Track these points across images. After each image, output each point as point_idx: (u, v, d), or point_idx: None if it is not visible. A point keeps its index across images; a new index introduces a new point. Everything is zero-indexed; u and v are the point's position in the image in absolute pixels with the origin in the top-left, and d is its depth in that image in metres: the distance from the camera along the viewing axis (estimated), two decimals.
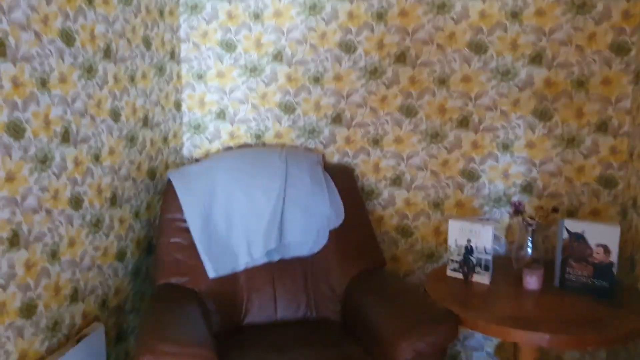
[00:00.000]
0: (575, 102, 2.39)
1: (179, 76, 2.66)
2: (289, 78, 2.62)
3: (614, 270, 2.01)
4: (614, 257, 2.01)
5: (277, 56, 2.61)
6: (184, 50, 2.67)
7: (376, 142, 2.59)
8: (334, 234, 2.33)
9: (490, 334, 1.85)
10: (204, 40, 2.65)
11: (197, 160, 2.69)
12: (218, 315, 2.18)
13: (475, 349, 2.64)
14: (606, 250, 2.03)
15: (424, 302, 2.01)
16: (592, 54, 2.35)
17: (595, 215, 2.44)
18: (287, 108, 2.64)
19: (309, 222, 2.32)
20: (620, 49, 2.32)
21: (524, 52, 2.40)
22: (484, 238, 2.16)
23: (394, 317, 1.95)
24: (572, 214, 2.46)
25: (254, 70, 2.63)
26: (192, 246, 2.22)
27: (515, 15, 2.39)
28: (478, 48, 2.44)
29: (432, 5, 2.45)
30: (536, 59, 2.39)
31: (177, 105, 2.67)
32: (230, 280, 2.25)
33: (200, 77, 2.67)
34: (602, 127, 2.39)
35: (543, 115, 2.43)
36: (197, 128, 2.71)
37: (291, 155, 2.44)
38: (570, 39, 2.35)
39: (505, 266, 2.32)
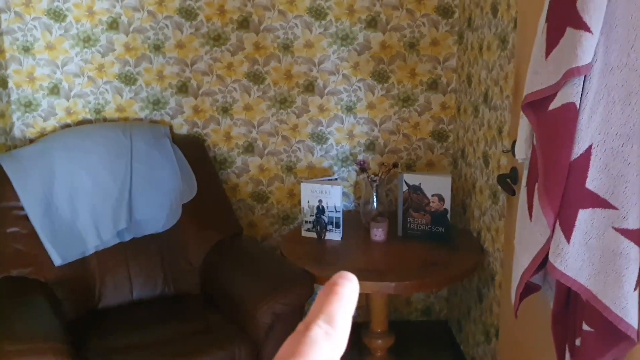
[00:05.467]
0: (408, 64, 2.55)
1: (1, 50, 2.41)
2: (128, 47, 2.49)
3: (448, 216, 2.22)
4: (447, 205, 2.22)
5: (113, 24, 2.46)
6: (5, 21, 2.42)
7: (225, 110, 2.57)
8: (188, 207, 2.31)
9: None
10: (27, 10, 2.41)
11: (31, 141, 2.49)
12: (70, 303, 2.07)
13: None
14: (440, 198, 2.23)
15: (281, 265, 2.08)
16: (421, 17, 2.50)
17: (430, 166, 2.66)
18: (128, 79, 2.51)
19: (160, 198, 2.27)
20: (445, 11, 2.50)
21: (360, 17, 2.49)
22: (333, 197, 2.26)
23: (252, 282, 2.00)
24: (410, 167, 2.66)
25: (87, 40, 2.46)
26: (33, 234, 2.07)
27: None
28: (318, 13, 2.49)
29: None
30: (372, 23, 2.50)
31: (3, 82, 2.43)
32: (80, 265, 2.14)
33: (26, 50, 2.44)
34: (433, 85, 2.58)
35: (381, 77, 2.56)
36: (29, 106, 2.49)
37: (136, 130, 2.35)
38: (401, 2, 2.49)
39: (355, 221, 2.46)
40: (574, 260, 1.16)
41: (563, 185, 1.14)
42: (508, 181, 1.74)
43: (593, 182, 1.13)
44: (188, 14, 2.47)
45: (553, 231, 1.17)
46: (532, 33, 1.59)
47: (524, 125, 1.23)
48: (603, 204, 1.14)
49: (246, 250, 2.25)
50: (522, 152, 1.24)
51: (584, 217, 1.15)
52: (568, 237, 1.16)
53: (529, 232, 1.20)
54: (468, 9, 2.36)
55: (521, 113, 1.24)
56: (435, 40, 2.53)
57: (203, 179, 2.41)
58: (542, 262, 1.24)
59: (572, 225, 1.15)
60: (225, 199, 2.45)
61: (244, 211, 2.67)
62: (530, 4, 1.61)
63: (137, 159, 2.27)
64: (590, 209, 1.14)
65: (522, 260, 1.21)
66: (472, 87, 2.32)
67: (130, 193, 2.24)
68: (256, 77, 2.55)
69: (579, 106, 1.10)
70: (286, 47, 2.52)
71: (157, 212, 2.26)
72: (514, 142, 1.63)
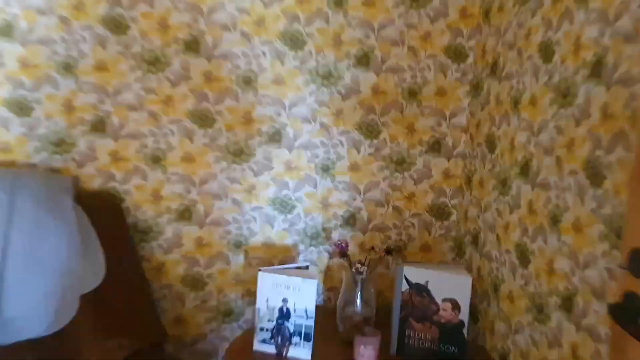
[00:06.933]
0: (406, 116, 1.95)
1: None
2: (25, 63, 1.77)
3: (465, 331, 1.59)
4: (464, 315, 1.59)
5: (5, 30, 1.74)
6: None
7: (157, 160, 1.87)
8: (89, 300, 1.56)
9: None
10: None
11: None
12: None
13: None
14: (455, 306, 1.60)
15: None
16: (425, 57, 1.93)
17: (426, 251, 2.04)
18: (21, 108, 1.78)
19: (45, 285, 1.51)
20: (457, 53, 1.94)
21: (349, 51, 1.89)
22: (305, 297, 1.58)
23: None
24: (400, 250, 2.02)
25: None
26: None
27: (339, 3, 1.87)
28: (293, 41, 1.87)
29: None
30: (363, 60, 1.90)
31: None
32: None
33: None
34: (436, 146, 1.99)
35: (370, 130, 1.95)
36: None
37: (21, 182, 1.60)
38: (402, 37, 1.91)
39: (327, 324, 1.78)
40: None
41: None
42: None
43: None
44: (116, 25, 1.79)
45: None
46: None
47: None
48: None
49: None
50: None
51: None
52: None
53: None
54: (492, 51, 1.80)
55: None
56: (441, 89, 1.95)
57: (115, 256, 1.68)
58: None
59: None
60: (146, 286, 1.72)
61: (171, 301, 1.93)
62: None
63: (18, 226, 1.52)
64: None
65: None
66: (497, 154, 1.74)
67: (1, 276, 1.48)
68: (203, 118, 1.87)
69: None
70: (247, 82, 1.87)
71: (41, 307, 1.49)
72: (633, 252, 1.02)
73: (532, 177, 1.52)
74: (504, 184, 1.68)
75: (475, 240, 1.87)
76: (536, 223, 1.49)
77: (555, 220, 1.40)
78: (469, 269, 1.90)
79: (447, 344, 1.60)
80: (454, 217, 2.03)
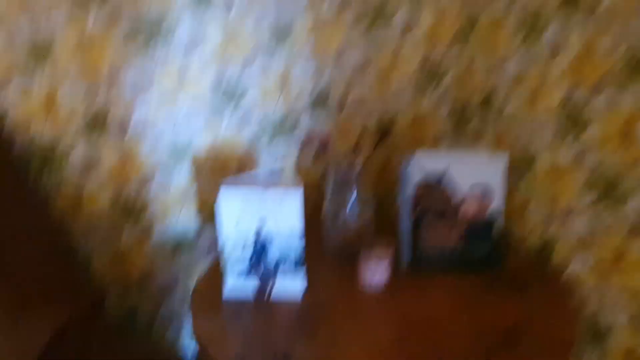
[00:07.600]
0: None
1: None
2: None
3: (498, 227, 1.22)
4: (497, 208, 1.21)
5: None
6: None
7: (42, 53, 1.29)
8: None
9: None
10: None
11: None
12: None
13: None
14: (485, 196, 1.21)
15: None
16: None
17: (419, 125, 1.60)
18: None
19: None
20: None
21: None
22: (288, 211, 1.15)
23: None
24: (386, 131, 1.59)
25: None
26: None
27: None
28: None
29: None
30: None
31: None
32: None
33: None
34: None
35: None
36: None
37: None
38: None
39: (308, 242, 1.36)
40: None
41: None
42: None
43: None
44: None
45: None
46: None
47: None
48: None
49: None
50: None
51: None
52: None
53: None
54: None
55: None
56: None
57: (2, 202, 1.17)
58: None
59: None
60: (59, 230, 1.24)
61: (101, 239, 1.45)
62: None
63: None
64: None
65: None
66: None
67: None
68: None
69: None
70: None
71: None
72: None
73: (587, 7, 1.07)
74: (534, 25, 1.22)
75: (487, 100, 1.44)
76: (597, 73, 1.06)
77: (635, 68, 0.98)
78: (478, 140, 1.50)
79: (475, 246, 1.23)
80: (449, 74, 1.57)
